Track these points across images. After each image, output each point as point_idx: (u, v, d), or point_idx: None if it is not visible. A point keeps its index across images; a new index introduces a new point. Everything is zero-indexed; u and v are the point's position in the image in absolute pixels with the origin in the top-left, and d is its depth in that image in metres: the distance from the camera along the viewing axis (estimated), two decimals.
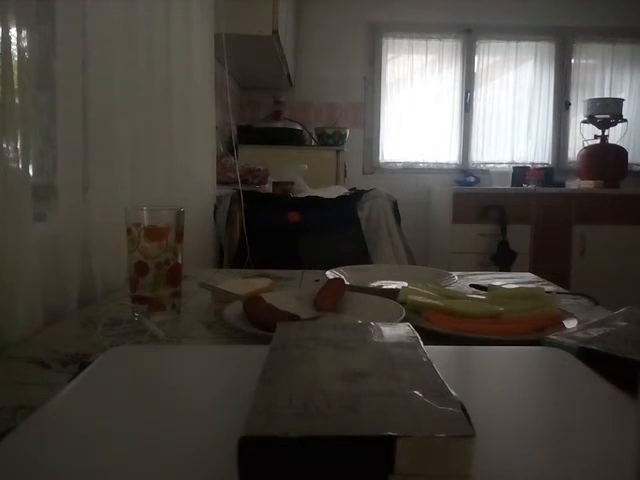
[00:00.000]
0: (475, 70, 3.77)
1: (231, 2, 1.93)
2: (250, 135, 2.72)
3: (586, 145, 3.56)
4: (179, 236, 0.77)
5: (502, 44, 3.75)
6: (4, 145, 0.65)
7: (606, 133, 3.50)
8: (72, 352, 0.60)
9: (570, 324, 0.70)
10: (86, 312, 0.81)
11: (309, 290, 0.86)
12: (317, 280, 1.00)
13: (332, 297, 0.79)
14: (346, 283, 0.85)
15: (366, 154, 3.76)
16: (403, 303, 0.77)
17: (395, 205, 1.82)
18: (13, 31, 0.66)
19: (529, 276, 1.16)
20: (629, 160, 3.50)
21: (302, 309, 0.77)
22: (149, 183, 1.17)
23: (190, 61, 1.50)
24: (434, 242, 3.63)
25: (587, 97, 3.65)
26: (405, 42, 3.72)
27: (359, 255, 1.66)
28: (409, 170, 3.77)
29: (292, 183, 2.03)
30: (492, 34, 3.73)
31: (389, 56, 3.74)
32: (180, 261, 0.78)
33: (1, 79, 0.64)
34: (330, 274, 0.98)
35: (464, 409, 0.30)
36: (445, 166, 3.79)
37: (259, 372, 0.35)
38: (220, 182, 1.91)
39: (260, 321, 0.67)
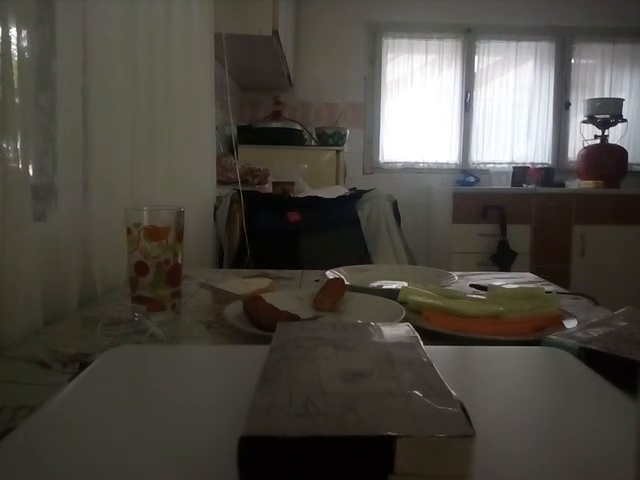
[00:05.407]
0: (475, 70, 3.77)
1: (231, 2, 1.93)
2: (250, 135, 2.71)
3: (586, 145, 3.56)
4: (179, 236, 0.77)
5: (502, 44, 3.75)
6: (4, 145, 0.65)
7: (606, 133, 3.50)
8: (72, 352, 0.60)
9: (570, 324, 0.70)
10: (86, 312, 0.81)
11: (309, 290, 0.86)
12: (317, 280, 1.00)
13: (332, 297, 0.79)
14: (346, 283, 0.85)
15: (366, 154, 3.76)
16: (403, 303, 0.77)
17: (395, 205, 1.82)
18: (13, 31, 0.66)
19: (529, 276, 1.16)
20: (629, 160, 3.50)
21: (302, 309, 0.77)
22: (149, 183, 1.17)
23: (190, 61, 1.50)
24: (434, 242, 3.63)
25: (587, 97, 3.66)
26: (405, 42, 3.72)
27: (359, 255, 1.66)
28: (409, 170, 3.77)
29: (292, 183, 2.03)
30: (492, 34, 3.73)
31: (389, 56, 3.74)
32: (180, 261, 0.78)
33: (1, 79, 0.64)
34: (330, 274, 0.98)
35: (464, 409, 0.30)
36: (445, 166, 3.79)
37: (259, 372, 0.35)
38: (220, 182, 1.91)
39: (260, 321, 0.67)
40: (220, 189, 1.84)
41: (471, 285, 0.99)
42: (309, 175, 2.40)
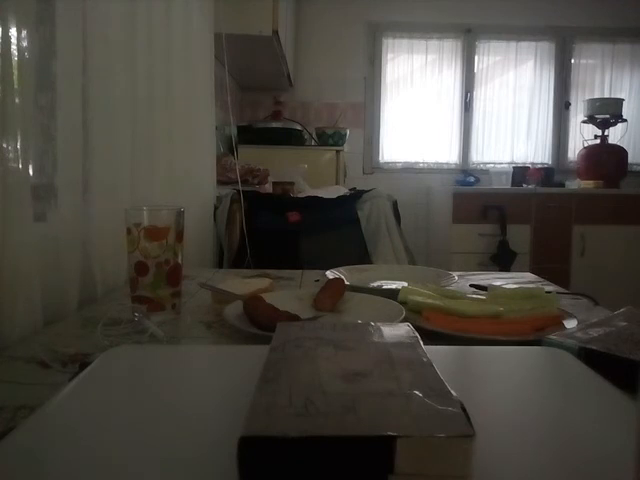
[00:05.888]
0: (475, 70, 3.77)
1: (231, 2, 1.93)
2: (250, 135, 2.71)
3: (586, 145, 3.56)
4: (179, 236, 0.77)
5: (502, 44, 3.75)
6: (4, 145, 0.65)
7: (606, 133, 3.50)
8: (72, 352, 0.60)
9: (570, 324, 0.70)
10: (86, 312, 0.81)
11: (309, 290, 0.86)
12: (317, 280, 1.00)
13: (332, 297, 0.79)
14: (346, 283, 0.85)
15: (366, 154, 3.76)
16: (403, 303, 0.77)
17: (395, 205, 1.82)
18: (13, 31, 0.66)
19: (529, 276, 1.16)
20: (629, 160, 3.50)
21: (302, 309, 0.77)
22: (149, 183, 1.17)
23: (190, 61, 1.50)
24: (434, 242, 3.63)
25: (587, 97, 3.66)
26: (405, 42, 3.72)
27: (359, 255, 1.66)
28: (409, 170, 3.77)
29: (292, 183, 2.03)
30: (492, 34, 3.73)
31: (389, 56, 3.74)
32: (180, 261, 0.78)
33: (1, 79, 0.64)
34: (330, 274, 0.98)
35: (464, 409, 0.30)
36: (445, 166, 3.79)
37: (259, 372, 0.35)
38: (220, 182, 1.91)
39: (260, 321, 0.67)
40: (220, 189, 1.84)
41: (471, 285, 0.99)
42: (309, 175, 2.40)
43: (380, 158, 3.78)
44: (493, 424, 0.35)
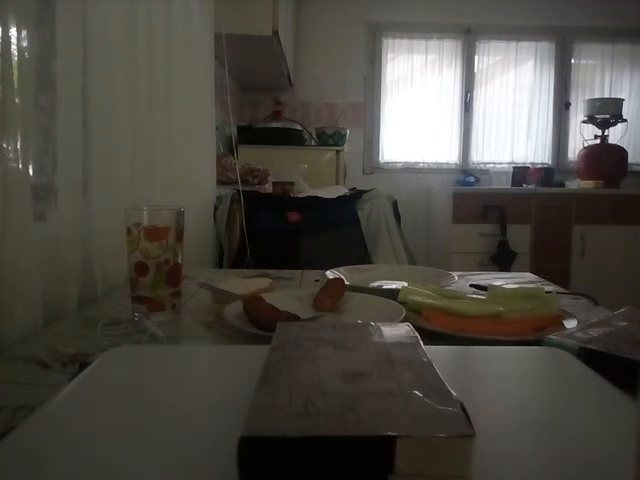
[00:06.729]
0: (475, 70, 3.77)
1: (231, 2, 1.93)
2: (250, 135, 2.71)
3: (586, 145, 3.56)
4: (179, 236, 0.77)
5: (502, 44, 3.75)
6: (4, 145, 0.65)
7: (606, 133, 3.50)
8: (72, 352, 0.60)
9: (570, 324, 0.70)
10: (86, 312, 0.81)
11: (309, 290, 0.86)
12: (317, 280, 1.00)
13: (332, 297, 0.79)
14: (346, 283, 0.85)
15: (366, 154, 3.76)
16: (403, 303, 0.77)
17: (395, 205, 1.82)
18: (13, 31, 0.66)
19: (529, 276, 1.16)
20: (629, 160, 3.50)
21: (302, 309, 0.77)
22: (149, 183, 1.17)
23: (190, 61, 1.50)
24: (434, 242, 3.63)
25: (587, 97, 3.65)
26: (405, 42, 3.72)
27: (359, 255, 1.66)
28: (409, 170, 3.77)
29: (292, 183, 2.03)
30: (492, 34, 3.73)
31: (389, 56, 3.74)
32: (180, 261, 0.78)
33: (1, 79, 0.64)
34: (330, 274, 0.98)
35: (464, 409, 0.30)
36: (445, 166, 3.79)
37: (259, 372, 0.35)
38: (220, 182, 1.91)
39: (260, 321, 0.67)
40: (220, 189, 1.84)
41: (471, 285, 0.99)
42: (309, 175, 2.40)
43: (380, 158, 3.78)
44: (493, 424, 0.35)
